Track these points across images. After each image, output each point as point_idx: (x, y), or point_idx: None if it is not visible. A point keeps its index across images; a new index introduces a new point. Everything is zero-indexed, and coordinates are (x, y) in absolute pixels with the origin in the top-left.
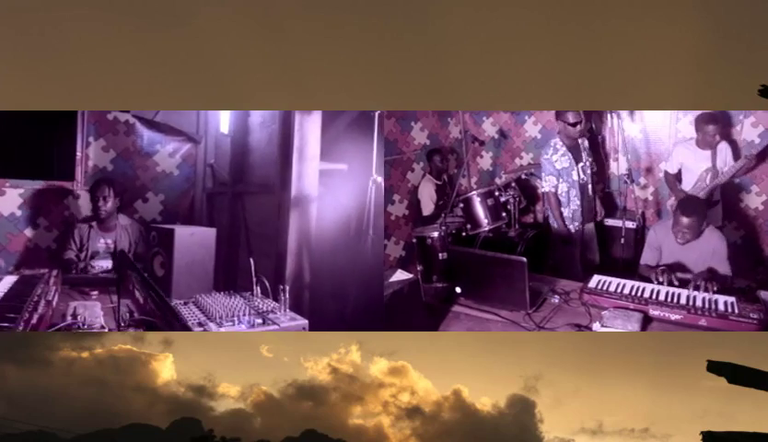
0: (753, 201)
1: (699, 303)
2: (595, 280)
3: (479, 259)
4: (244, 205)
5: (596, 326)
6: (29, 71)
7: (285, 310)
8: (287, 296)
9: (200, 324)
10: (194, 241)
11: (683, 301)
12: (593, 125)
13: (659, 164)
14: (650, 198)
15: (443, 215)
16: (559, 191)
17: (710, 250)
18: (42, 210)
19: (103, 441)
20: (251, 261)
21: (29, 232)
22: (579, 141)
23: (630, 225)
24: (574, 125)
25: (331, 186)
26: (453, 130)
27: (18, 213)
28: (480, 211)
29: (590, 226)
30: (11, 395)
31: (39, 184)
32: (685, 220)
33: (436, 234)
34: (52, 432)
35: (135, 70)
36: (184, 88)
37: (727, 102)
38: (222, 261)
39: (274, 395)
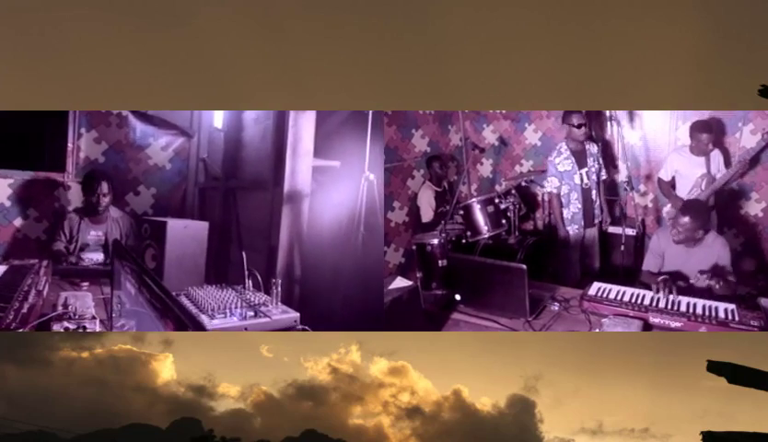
0: (753, 208)
1: (699, 310)
2: (595, 287)
3: (479, 266)
4: (236, 200)
5: None
6: (28, 71)
7: (276, 303)
8: (279, 289)
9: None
10: (187, 234)
11: (683, 309)
12: (593, 133)
13: (659, 171)
14: (650, 205)
15: (443, 222)
16: (561, 193)
17: (714, 256)
18: (32, 201)
19: (103, 441)
20: (243, 254)
21: (18, 222)
22: (587, 146)
23: (630, 232)
24: (579, 127)
25: (324, 183)
26: (453, 137)
27: (8, 203)
28: (480, 218)
29: (592, 231)
30: (11, 395)
31: (29, 175)
32: (684, 219)
33: (435, 241)
34: (52, 432)
35: (134, 70)
36: (183, 88)
37: (727, 102)
38: (213, 255)
39: (274, 395)
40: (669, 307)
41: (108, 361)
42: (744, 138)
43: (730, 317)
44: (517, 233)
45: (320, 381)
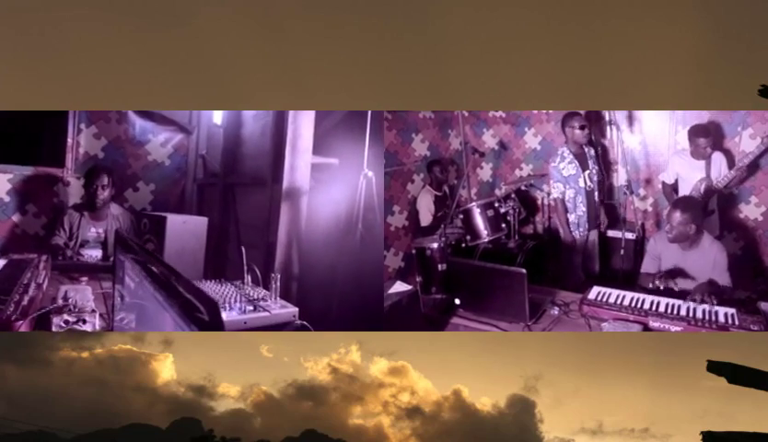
0: (752, 212)
1: (699, 315)
2: (594, 291)
3: (478, 270)
4: (235, 197)
5: None
6: (28, 71)
7: (275, 298)
8: (278, 284)
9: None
10: (186, 229)
11: (683, 313)
12: (593, 137)
13: (658, 175)
14: (649, 209)
15: (443, 226)
16: (566, 198)
17: (710, 260)
18: (31, 196)
19: (103, 441)
20: (243, 249)
21: (16, 218)
22: (585, 149)
23: (629, 236)
24: (582, 128)
25: (323, 180)
26: (453, 141)
27: (7, 198)
28: (479, 222)
29: (593, 234)
30: (11, 395)
31: (28, 170)
32: (677, 216)
33: (435, 245)
34: (52, 432)
35: (134, 70)
36: (183, 88)
37: (727, 102)
38: (211, 251)
39: (274, 395)
40: (669, 311)
41: (108, 361)
42: (744, 142)
43: (730, 321)
44: (516, 237)
45: (320, 381)
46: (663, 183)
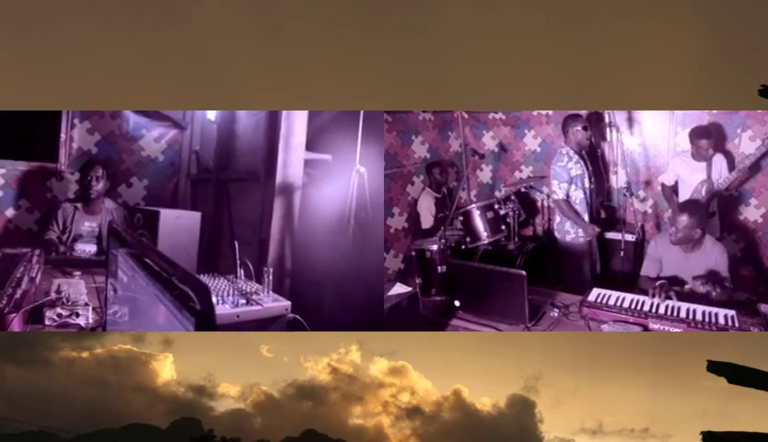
0: (752, 213)
1: (699, 316)
2: (594, 293)
3: (478, 272)
4: (228, 192)
5: None
6: (26, 71)
7: (268, 292)
8: (271, 277)
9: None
10: (179, 224)
11: (683, 315)
12: (593, 139)
13: (658, 177)
14: (649, 211)
15: (442, 227)
16: (573, 199)
17: (711, 262)
18: (25, 191)
19: (103, 441)
20: (236, 243)
21: (9, 213)
22: (583, 152)
23: (629, 238)
24: (584, 129)
25: (316, 176)
26: (453, 143)
27: (0, 193)
28: (479, 224)
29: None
30: (11, 395)
31: (22, 165)
32: (684, 219)
33: (435, 247)
34: (52, 432)
35: (130, 70)
36: (180, 88)
37: (727, 102)
38: (204, 246)
39: (274, 395)
40: (669, 313)
41: (108, 361)
42: (743, 144)
43: (730, 323)
44: (516, 239)
45: (320, 381)
46: (663, 185)
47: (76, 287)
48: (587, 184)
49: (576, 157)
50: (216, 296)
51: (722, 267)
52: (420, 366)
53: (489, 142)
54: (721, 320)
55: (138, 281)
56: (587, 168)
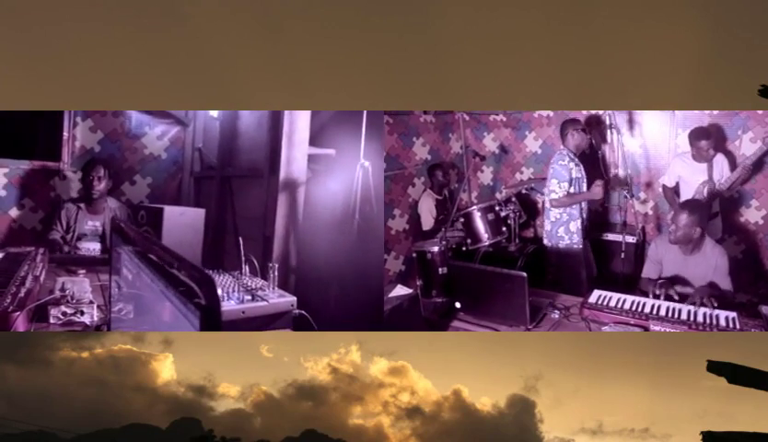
0: (753, 215)
1: (700, 318)
2: (595, 295)
3: (479, 274)
4: (232, 189)
5: None
6: (26, 71)
7: (273, 288)
8: (276, 273)
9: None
10: (183, 221)
11: (684, 316)
12: (593, 141)
13: (659, 178)
14: (650, 212)
15: (443, 229)
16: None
17: (712, 265)
18: (28, 190)
19: (103, 441)
20: (240, 239)
21: (13, 213)
22: (580, 154)
23: (630, 239)
24: (583, 131)
25: (319, 171)
26: (454, 145)
27: (3, 193)
28: (480, 226)
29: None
30: (11, 395)
31: (24, 164)
32: (684, 217)
33: (436, 248)
34: (52, 432)
35: (132, 70)
36: (181, 88)
37: (728, 103)
38: (209, 244)
39: (274, 395)
40: (670, 314)
41: (108, 361)
42: (744, 145)
43: (731, 325)
44: (517, 240)
45: (320, 381)
46: (664, 186)
47: (81, 285)
48: (584, 188)
49: (576, 159)
50: (221, 292)
51: (722, 270)
52: (420, 366)
53: (490, 143)
54: (722, 322)
55: (143, 278)
56: (583, 173)
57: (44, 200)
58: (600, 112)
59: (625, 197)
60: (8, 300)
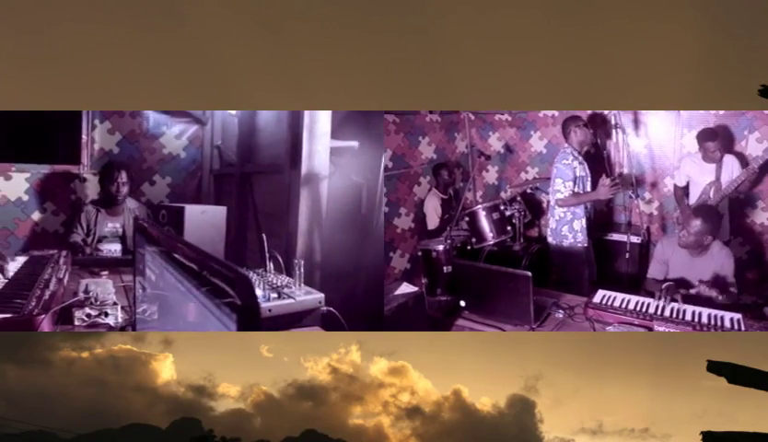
0: (759, 216)
1: (704, 319)
2: (599, 295)
3: (483, 272)
4: (252, 186)
5: None
6: (31, 71)
7: (299, 285)
8: (302, 270)
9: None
10: (205, 220)
11: (689, 317)
12: (598, 140)
13: (664, 179)
14: (655, 213)
15: (448, 228)
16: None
17: (717, 266)
18: (49, 194)
19: (103, 441)
20: (264, 236)
21: (36, 216)
22: (584, 151)
23: (635, 239)
24: (585, 126)
25: (342, 164)
26: (459, 144)
27: (25, 197)
28: (485, 225)
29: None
30: (11, 395)
31: (45, 168)
32: (697, 224)
33: (441, 247)
34: (52, 432)
35: (139, 70)
36: (188, 88)
37: (733, 102)
38: (231, 241)
39: (274, 395)
40: (674, 315)
41: (108, 361)
42: (750, 146)
43: (736, 326)
44: (521, 240)
45: (320, 381)
46: (675, 186)
47: (104, 287)
48: (588, 187)
49: (580, 158)
50: None
51: (728, 271)
52: (420, 366)
53: (495, 143)
54: (727, 324)
55: (167, 278)
56: (588, 171)
57: (65, 203)
58: (606, 112)
59: (630, 197)
60: (33, 303)
